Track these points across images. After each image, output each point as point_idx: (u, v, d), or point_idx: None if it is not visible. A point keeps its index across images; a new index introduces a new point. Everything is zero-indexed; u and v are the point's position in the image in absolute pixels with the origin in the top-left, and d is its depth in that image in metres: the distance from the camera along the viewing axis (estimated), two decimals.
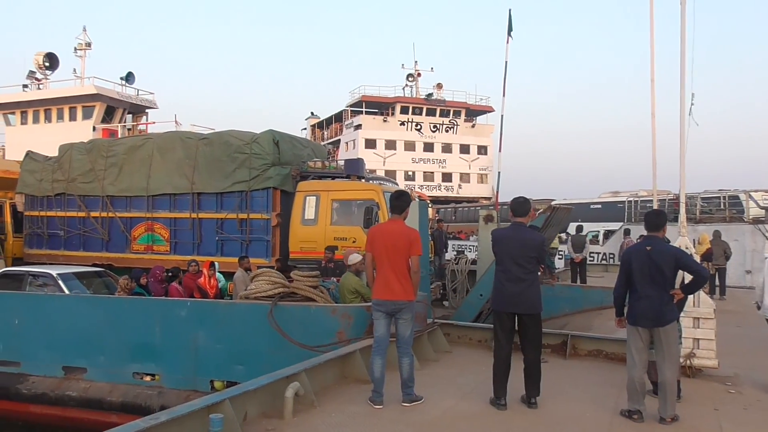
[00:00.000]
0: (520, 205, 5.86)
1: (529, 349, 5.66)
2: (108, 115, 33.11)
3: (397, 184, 16.66)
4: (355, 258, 8.83)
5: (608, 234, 26.44)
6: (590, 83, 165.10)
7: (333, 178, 13.34)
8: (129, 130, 32.80)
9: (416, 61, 50.63)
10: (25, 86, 35.20)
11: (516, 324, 5.70)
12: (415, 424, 5.15)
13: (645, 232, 5.66)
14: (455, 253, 16.78)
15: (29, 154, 15.85)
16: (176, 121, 29.09)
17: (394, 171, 46.05)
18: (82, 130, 30.25)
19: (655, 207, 7.65)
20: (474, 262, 13.80)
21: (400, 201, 5.92)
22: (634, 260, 5.37)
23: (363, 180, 13.76)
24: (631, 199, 27.51)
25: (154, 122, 33.77)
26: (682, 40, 6.88)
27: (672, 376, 5.27)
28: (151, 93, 36.21)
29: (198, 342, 8.32)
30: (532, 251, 5.68)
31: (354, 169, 13.71)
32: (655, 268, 5.28)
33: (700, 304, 6.71)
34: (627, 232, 18.10)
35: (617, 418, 5.39)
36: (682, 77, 6.75)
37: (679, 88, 6.74)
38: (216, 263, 11.03)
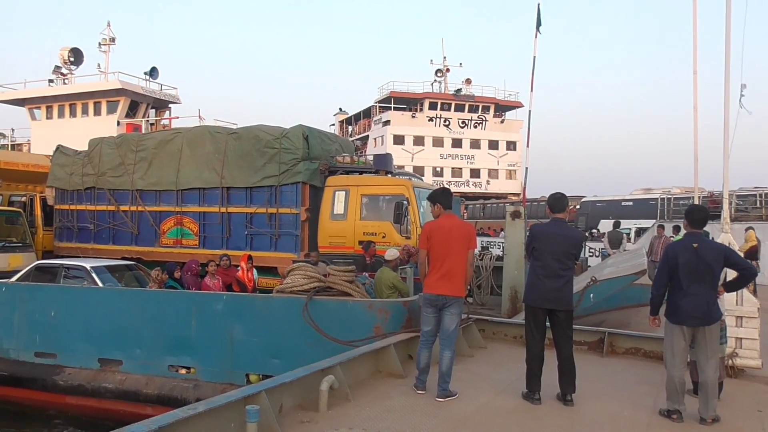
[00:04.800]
0: (558, 201, 5.93)
1: (564, 345, 5.74)
2: (131, 110, 33.68)
3: (422, 180, 16.78)
4: (393, 254, 8.98)
5: (640, 231, 26.17)
6: (624, 80, 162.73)
7: (361, 173, 13.50)
8: (152, 124, 33.34)
9: (445, 57, 50.98)
10: (50, 81, 35.94)
11: (547, 320, 5.80)
12: (449, 419, 5.23)
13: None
14: (480, 249, 16.78)
15: (60, 148, 16.24)
16: (200, 116, 29.56)
17: (422, 167, 46.19)
18: (106, 125, 30.80)
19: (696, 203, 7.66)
20: (499, 258, 13.86)
21: (449, 195, 6.10)
22: (681, 257, 5.33)
23: (391, 175, 13.91)
24: (664, 196, 27.22)
25: (177, 117, 34.22)
26: (727, 30, 6.87)
27: (714, 375, 5.28)
28: (174, 88, 36.67)
29: (234, 335, 8.49)
30: (573, 248, 5.78)
31: (382, 164, 13.85)
32: (704, 266, 5.26)
33: (744, 303, 6.70)
34: (662, 227, 17.89)
35: (656, 417, 5.41)
36: (726, 68, 6.74)
37: (723, 81, 6.73)
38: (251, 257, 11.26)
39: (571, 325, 5.85)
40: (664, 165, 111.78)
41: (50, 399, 9.72)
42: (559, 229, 5.81)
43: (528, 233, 6.12)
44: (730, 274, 5.62)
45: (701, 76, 8.21)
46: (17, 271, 11.98)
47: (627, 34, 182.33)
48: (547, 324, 5.85)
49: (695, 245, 5.33)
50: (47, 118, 35.32)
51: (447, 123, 49.70)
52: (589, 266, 17.73)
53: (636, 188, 32.16)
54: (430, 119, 49.33)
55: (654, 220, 24.92)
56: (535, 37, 14.06)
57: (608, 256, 16.18)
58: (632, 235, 26.74)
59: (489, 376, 6.65)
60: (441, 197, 6.06)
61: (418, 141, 48.87)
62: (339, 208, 12.70)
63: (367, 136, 52.20)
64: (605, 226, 28.59)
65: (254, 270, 11.04)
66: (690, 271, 5.29)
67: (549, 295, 5.68)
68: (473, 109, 50.41)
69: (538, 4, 13.71)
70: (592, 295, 8.81)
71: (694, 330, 5.32)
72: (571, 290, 5.80)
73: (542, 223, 6.20)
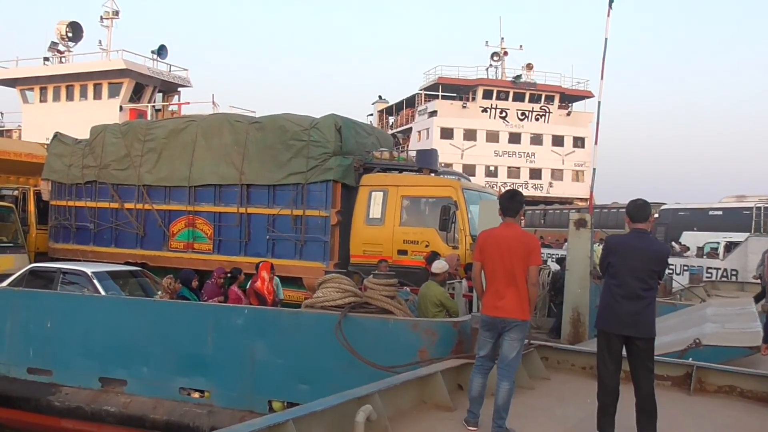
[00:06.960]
0: (640, 209, 5.89)
1: (643, 379, 5.69)
2: (136, 94, 34.39)
3: (469, 180, 16.81)
4: (441, 266, 9.03)
5: (730, 246, 25.74)
6: (716, 68, 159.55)
7: (401, 171, 13.63)
8: (159, 111, 34.04)
9: (502, 38, 50.73)
10: (45, 59, 36.89)
11: (624, 349, 5.76)
12: None
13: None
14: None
15: (57, 136, 16.71)
16: (214, 102, 30.12)
17: (474, 165, 46.30)
18: (107, 110, 31.55)
19: None
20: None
21: (514, 202, 6.03)
22: None
23: (436, 174, 13.98)
24: (760, 204, 26.73)
25: (188, 102, 34.91)
26: None
27: None
28: (185, 69, 37.41)
29: (255, 355, 8.56)
30: (656, 264, 5.73)
31: (426, 162, 13.95)
32: None
33: None
34: None
35: None
36: None
37: None
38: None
39: (652, 356, 5.79)
40: (761, 169, 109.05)
41: (44, 422, 9.91)
42: (641, 241, 5.77)
43: (603, 246, 6.11)
44: None
45: None
46: (6, 275, 12.30)
47: (722, 13, 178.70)
48: (624, 354, 5.83)
49: None
50: (41, 101, 36.31)
51: (504, 114, 49.53)
52: (673, 288, 17.43)
53: (726, 195, 31.75)
54: (484, 110, 49.25)
55: (748, 234, 24.47)
56: (608, 15, 13.87)
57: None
58: (720, 250, 26.38)
59: (553, 412, 6.64)
60: (503, 200, 6.08)
61: (470, 135, 48.73)
62: (375, 212, 12.84)
63: (410, 128, 52.48)
64: (688, 238, 28.17)
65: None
66: None
67: (627, 320, 5.64)
68: (535, 99, 50.25)
69: None
70: (691, 358, 8.73)
71: None
72: (653, 314, 5.75)
73: (620, 235, 6.18)
